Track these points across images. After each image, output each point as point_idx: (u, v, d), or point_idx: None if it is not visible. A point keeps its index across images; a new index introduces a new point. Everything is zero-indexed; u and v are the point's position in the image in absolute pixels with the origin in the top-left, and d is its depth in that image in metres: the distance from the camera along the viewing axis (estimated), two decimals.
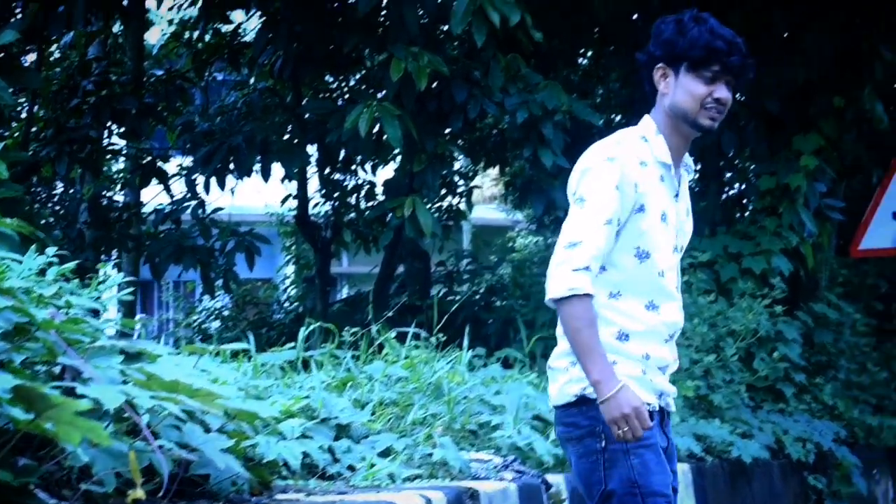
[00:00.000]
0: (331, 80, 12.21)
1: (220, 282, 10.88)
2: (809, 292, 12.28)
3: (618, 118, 15.86)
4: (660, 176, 4.05)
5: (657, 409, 4.02)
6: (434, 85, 9.35)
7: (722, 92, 3.97)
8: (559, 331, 4.01)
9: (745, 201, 12.98)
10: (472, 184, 12.30)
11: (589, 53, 15.55)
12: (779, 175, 11.07)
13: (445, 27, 9.46)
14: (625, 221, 3.95)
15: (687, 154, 4.19)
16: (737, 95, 11.77)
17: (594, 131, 12.62)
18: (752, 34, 11.55)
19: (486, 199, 22.12)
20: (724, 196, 12.73)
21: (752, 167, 12.43)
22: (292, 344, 6.60)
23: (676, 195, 4.15)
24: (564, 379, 3.99)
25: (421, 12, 9.27)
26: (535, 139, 9.31)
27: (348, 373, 6.34)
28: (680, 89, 4.00)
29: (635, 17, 12.99)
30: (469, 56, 9.42)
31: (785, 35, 11.28)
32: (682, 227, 4.21)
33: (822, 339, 11.92)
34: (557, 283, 3.84)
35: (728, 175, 13.10)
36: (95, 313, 4.32)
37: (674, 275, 4.11)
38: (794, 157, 11.09)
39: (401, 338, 7.08)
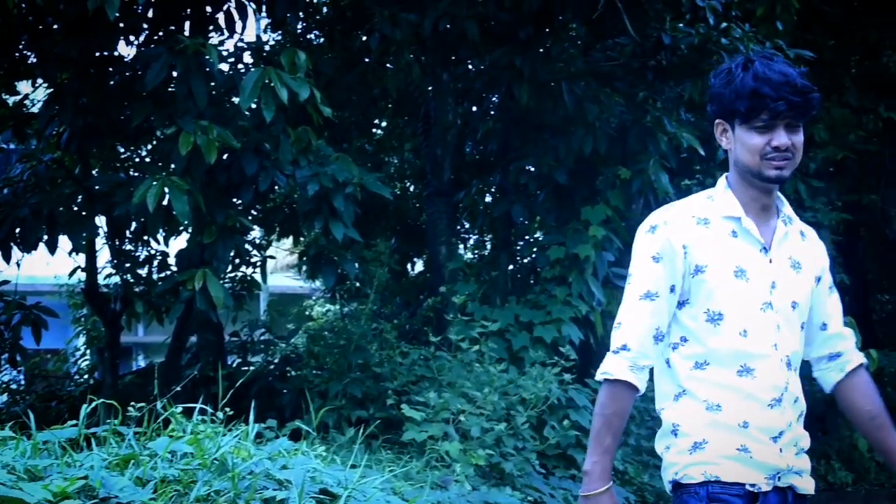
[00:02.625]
0: (122, 150, 12.07)
1: (5, 356, 10.64)
2: (599, 360, 12.48)
3: (412, 188, 16.07)
4: (730, 231, 3.83)
5: (762, 490, 3.73)
6: (224, 157, 9.32)
7: (781, 139, 3.70)
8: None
9: (537, 270, 13.19)
10: (266, 254, 12.23)
11: (383, 124, 15.77)
12: (568, 245, 11.25)
13: (236, 99, 9.44)
14: (685, 287, 3.83)
15: (787, 205, 3.95)
16: (534, 167, 12.01)
17: (388, 203, 12.82)
18: (540, 108, 11.88)
19: (284, 267, 22.03)
20: (515, 266, 12.89)
21: (541, 237, 12.62)
22: (75, 421, 6.46)
23: (765, 248, 3.86)
24: (664, 464, 3.89)
25: (212, 84, 9.25)
26: (327, 211, 9.33)
27: (131, 450, 6.23)
28: (738, 144, 3.78)
29: (430, 88, 13.18)
30: (259, 129, 9.42)
31: (571, 107, 11.53)
32: (783, 280, 3.87)
33: None
34: (602, 365, 3.90)
35: (519, 245, 13.29)
36: None
37: (768, 332, 3.79)
38: (582, 228, 11.29)
39: (190, 412, 6.98)
